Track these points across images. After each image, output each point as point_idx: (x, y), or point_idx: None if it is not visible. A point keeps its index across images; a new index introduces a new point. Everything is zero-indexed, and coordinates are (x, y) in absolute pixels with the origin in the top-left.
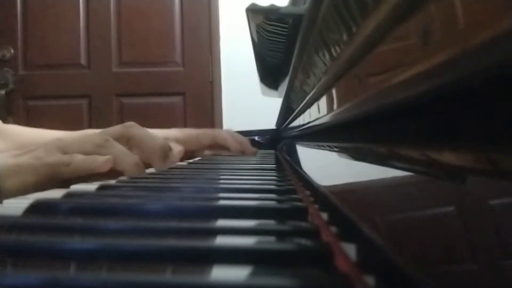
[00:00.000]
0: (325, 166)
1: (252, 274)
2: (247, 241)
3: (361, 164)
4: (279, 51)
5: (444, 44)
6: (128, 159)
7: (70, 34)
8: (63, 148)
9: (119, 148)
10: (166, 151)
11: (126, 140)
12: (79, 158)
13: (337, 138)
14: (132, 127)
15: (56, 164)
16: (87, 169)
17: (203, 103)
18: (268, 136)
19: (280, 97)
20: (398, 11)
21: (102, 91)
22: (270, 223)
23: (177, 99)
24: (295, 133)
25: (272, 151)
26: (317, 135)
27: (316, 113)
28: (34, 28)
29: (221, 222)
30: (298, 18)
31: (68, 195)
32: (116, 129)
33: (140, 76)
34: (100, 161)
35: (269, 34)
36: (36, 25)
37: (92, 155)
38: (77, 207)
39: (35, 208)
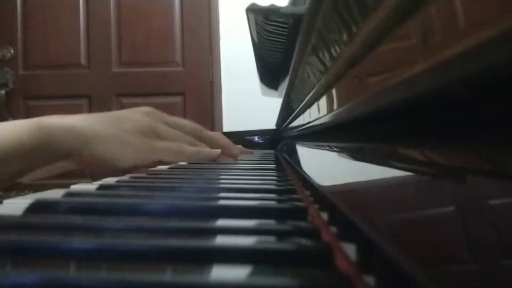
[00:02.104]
0: (325, 166)
1: (252, 274)
2: (247, 241)
3: (361, 164)
4: (279, 51)
5: (444, 44)
6: (226, 142)
7: (70, 34)
8: (160, 135)
9: (213, 133)
10: (234, 148)
11: (199, 137)
12: (191, 149)
13: (337, 138)
14: (203, 128)
15: (166, 149)
16: (203, 159)
17: (203, 103)
18: (268, 136)
19: (280, 97)
20: (398, 11)
21: (102, 91)
22: (270, 223)
23: (177, 99)
24: (295, 133)
25: (272, 151)
26: (317, 135)
27: (316, 113)
28: (34, 28)
29: (221, 222)
30: (298, 18)
31: (68, 195)
32: (193, 125)
33: (140, 76)
34: (214, 153)
35: (269, 34)
36: (36, 25)
37: (199, 148)
38: (77, 206)
39: (36, 208)
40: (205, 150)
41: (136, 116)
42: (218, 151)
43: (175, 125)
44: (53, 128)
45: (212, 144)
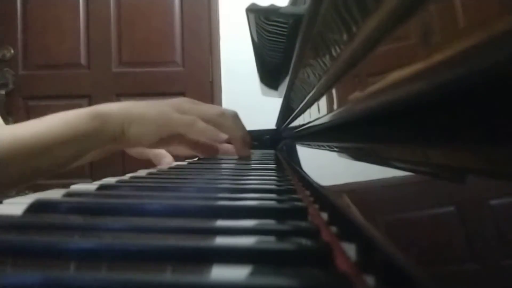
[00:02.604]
0: (325, 166)
1: (252, 273)
2: (247, 240)
3: (361, 164)
4: (279, 51)
5: (444, 44)
6: (240, 134)
7: (70, 34)
8: (184, 110)
9: (231, 122)
10: (247, 141)
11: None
12: (202, 124)
13: (337, 138)
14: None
15: (179, 120)
16: (209, 137)
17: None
18: (268, 136)
19: (280, 97)
20: (398, 11)
21: (102, 91)
22: (270, 222)
23: None
24: (295, 133)
25: (272, 151)
26: (317, 135)
27: (316, 113)
28: (34, 28)
29: (221, 222)
30: (298, 18)
31: (68, 195)
32: (218, 108)
33: (140, 76)
34: (221, 137)
35: (269, 34)
36: (36, 25)
37: (213, 129)
38: (77, 206)
39: (35, 208)
40: (215, 130)
41: (166, 100)
42: (225, 136)
43: (200, 105)
44: (107, 114)
45: (228, 132)
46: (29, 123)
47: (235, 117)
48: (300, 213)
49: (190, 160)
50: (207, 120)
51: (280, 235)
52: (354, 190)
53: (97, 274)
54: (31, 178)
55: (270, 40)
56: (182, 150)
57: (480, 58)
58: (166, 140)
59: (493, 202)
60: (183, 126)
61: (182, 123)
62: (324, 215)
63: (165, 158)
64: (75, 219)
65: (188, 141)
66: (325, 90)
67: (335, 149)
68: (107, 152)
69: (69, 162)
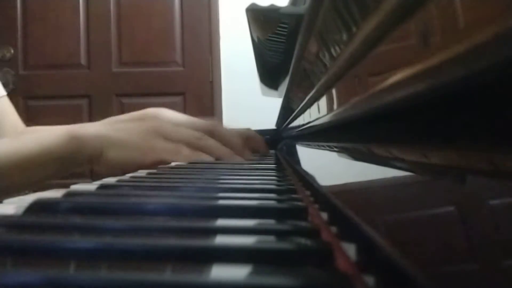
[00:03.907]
0: (325, 166)
1: (252, 273)
2: (247, 240)
3: (361, 164)
4: (279, 51)
5: (444, 44)
6: (223, 151)
7: (70, 34)
8: (165, 134)
9: (213, 142)
10: (245, 148)
11: (212, 135)
12: (187, 151)
13: (337, 138)
14: (217, 125)
15: (162, 149)
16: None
17: (203, 103)
18: (268, 136)
19: (280, 97)
20: (398, 11)
21: (102, 91)
22: (270, 222)
23: (177, 99)
24: (295, 133)
25: (272, 151)
26: (317, 135)
27: (316, 113)
28: (34, 28)
29: (221, 222)
30: (298, 18)
31: (69, 195)
32: (205, 124)
33: (140, 76)
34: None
35: (269, 34)
36: (36, 25)
37: (198, 152)
38: (77, 206)
39: (36, 207)
40: (200, 155)
41: (145, 120)
42: (210, 158)
43: (183, 124)
44: (84, 137)
45: (223, 142)
46: (6, 141)
47: (220, 133)
48: (300, 213)
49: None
50: (191, 144)
51: (280, 235)
52: (354, 190)
53: (97, 274)
54: (4, 193)
55: (270, 40)
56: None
57: (480, 58)
58: (148, 164)
59: (493, 202)
60: (168, 154)
61: (166, 151)
62: (324, 215)
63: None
64: (75, 219)
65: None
66: (325, 90)
67: (335, 149)
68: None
69: (42, 181)
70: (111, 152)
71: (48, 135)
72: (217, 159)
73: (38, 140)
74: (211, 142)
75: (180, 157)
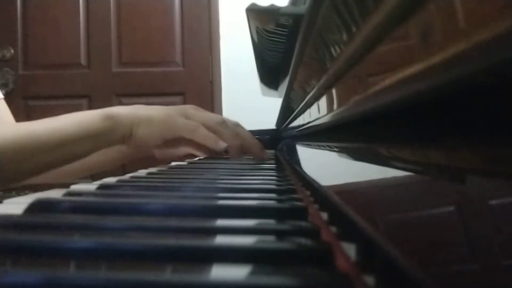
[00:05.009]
0: (325, 166)
1: (252, 273)
2: (247, 240)
3: (361, 164)
4: (279, 51)
5: (444, 44)
6: (235, 143)
7: (70, 34)
8: (188, 115)
9: (231, 132)
10: (262, 147)
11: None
12: (204, 130)
13: (337, 138)
14: (241, 126)
15: (183, 125)
16: (209, 144)
17: (203, 103)
18: (268, 136)
19: (280, 97)
20: (398, 11)
21: (102, 91)
22: (270, 222)
23: (177, 99)
24: (295, 133)
25: (272, 151)
26: (317, 135)
27: (316, 113)
28: (34, 28)
29: (221, 222)
30: (298, 18)
31: (69, 194)
32: (229, 120)
33: (140, 76)
34: (220, 145)
35: (269, 34)
36: (36, 25)
37: (214, 136)
38: (77, 206)
39: (36, 207)
40: (215, 138)
41: (173, 106)
42: (224, 145)
43: (204, 112)
44: (117, 116)
45: (243, 141)
46: (44, 121)
47: (236, 126)
48: (300, 213)
49: (190, 160)
50: (208, 127)
51: (280, 235)
52: (354, 190)
53: (97, 273)
54: (42, 171)
55: (270, 40)
56: (186, 150)
57: (480, 58)
58: (171, 142)
59: (493, 202)
60: (186, 131)
61: (186, 127)
62: (324, 215)
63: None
64: (75, 219)
65: (191, 143)
66: (325, 90)
67: (335, 149)
68: (117, 161)
69: (77, 158)
70: (140, 130)
71: (86, 114)
72: (222, 148)
73: (76, 120)
74: (228, 131)
75: (196, 135)
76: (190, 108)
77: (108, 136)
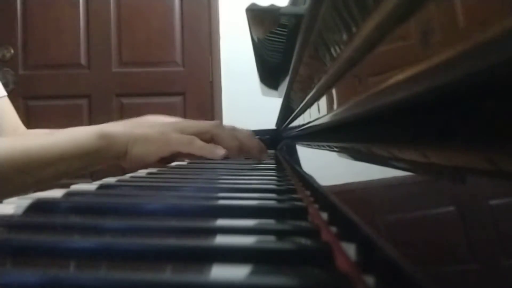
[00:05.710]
0: (325, 166)
1: (252, 273)
2: (247, 240)
3: (361, 164)
4: (279, 51)
5: (443, 44)
6: (234, 143)
7: (70, 34)
8: (181, 129)
9: (227, 133)
10: (262, 148)
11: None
12: (200, 142)
13: (337, 138)
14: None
15: (178, 140)
16: (207, 154)
17: (203, 103)
18: (268, 136)
19: (280, 97)
20: (398, 11)
21: (102, 91)
22: (270, 222)
23: (177, 99)
24: (295, 133)
25: (272, 151)
26: (317, 135)
27: (316, 113)
28: (34, 28)
29: (221, 222)
30: (298, 18)
31: (69, 194)
32: (214, 121)
33: (140, 76)
34: (218, 153)
35: (269, 34)
36: (36, 25)
37: (210, 144)
38: (77, 206)
39: (36, 207)
40: (213, 146)
41: (165, 119)
42: (222, 151)
43: (196, 123)
44: (112, 134)
45: (224, 143)
46: (39, 137)
47: (232, 130)
48: (300, 213)
49: (190, 160)
50: (205, 132)
51: (280, 235)
52: (354, 190)
53: (97, 273)
54: (32, 187)
55: (270, 40)
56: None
57: (480, 58)
58: (167, 158)
59: (493, 202)
60: (182, 145)
61: (181, 142)
62: (324, 215)
63: None
64: (75, 219)
65: (189, 155)
66: (325, 90)
67: (335, 149)
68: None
69: (71, 175)
70: (135, 148)
71: (79, 133)
72: (220, 155)
73: (71, 138)
74: (225, 133)
75: (192, 148)
76: (183, 122)
77: (103, 154)
